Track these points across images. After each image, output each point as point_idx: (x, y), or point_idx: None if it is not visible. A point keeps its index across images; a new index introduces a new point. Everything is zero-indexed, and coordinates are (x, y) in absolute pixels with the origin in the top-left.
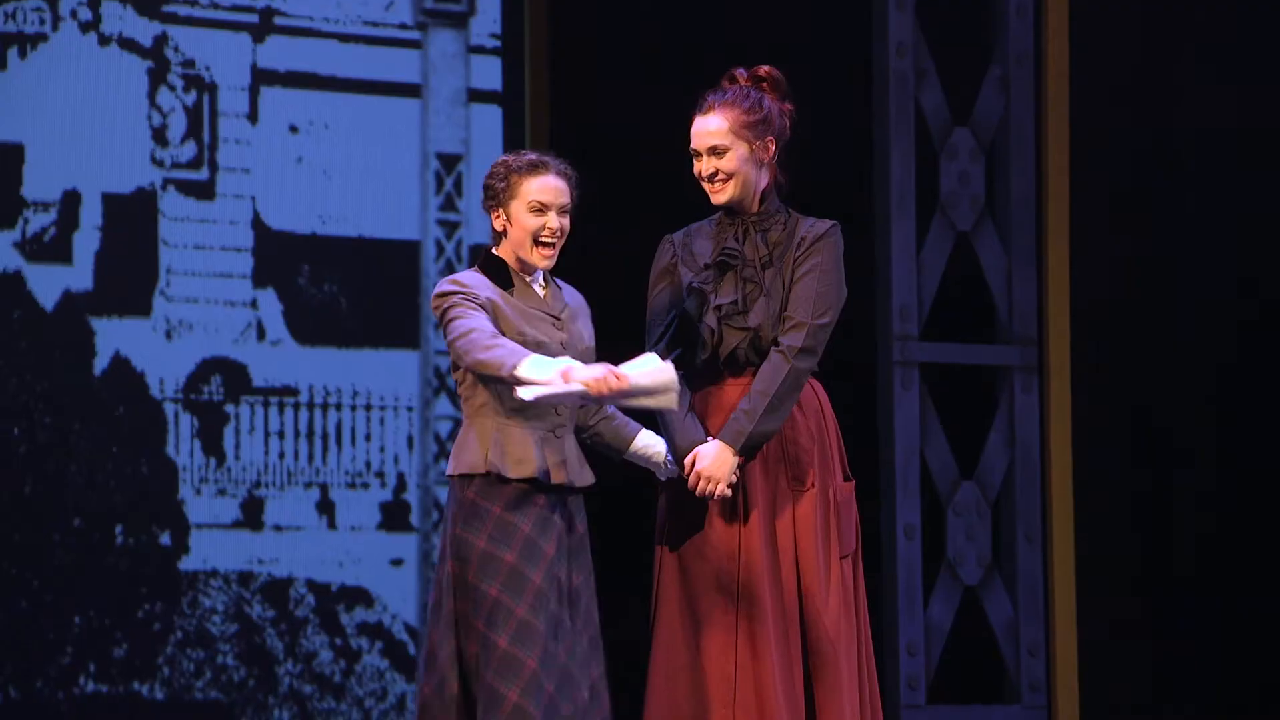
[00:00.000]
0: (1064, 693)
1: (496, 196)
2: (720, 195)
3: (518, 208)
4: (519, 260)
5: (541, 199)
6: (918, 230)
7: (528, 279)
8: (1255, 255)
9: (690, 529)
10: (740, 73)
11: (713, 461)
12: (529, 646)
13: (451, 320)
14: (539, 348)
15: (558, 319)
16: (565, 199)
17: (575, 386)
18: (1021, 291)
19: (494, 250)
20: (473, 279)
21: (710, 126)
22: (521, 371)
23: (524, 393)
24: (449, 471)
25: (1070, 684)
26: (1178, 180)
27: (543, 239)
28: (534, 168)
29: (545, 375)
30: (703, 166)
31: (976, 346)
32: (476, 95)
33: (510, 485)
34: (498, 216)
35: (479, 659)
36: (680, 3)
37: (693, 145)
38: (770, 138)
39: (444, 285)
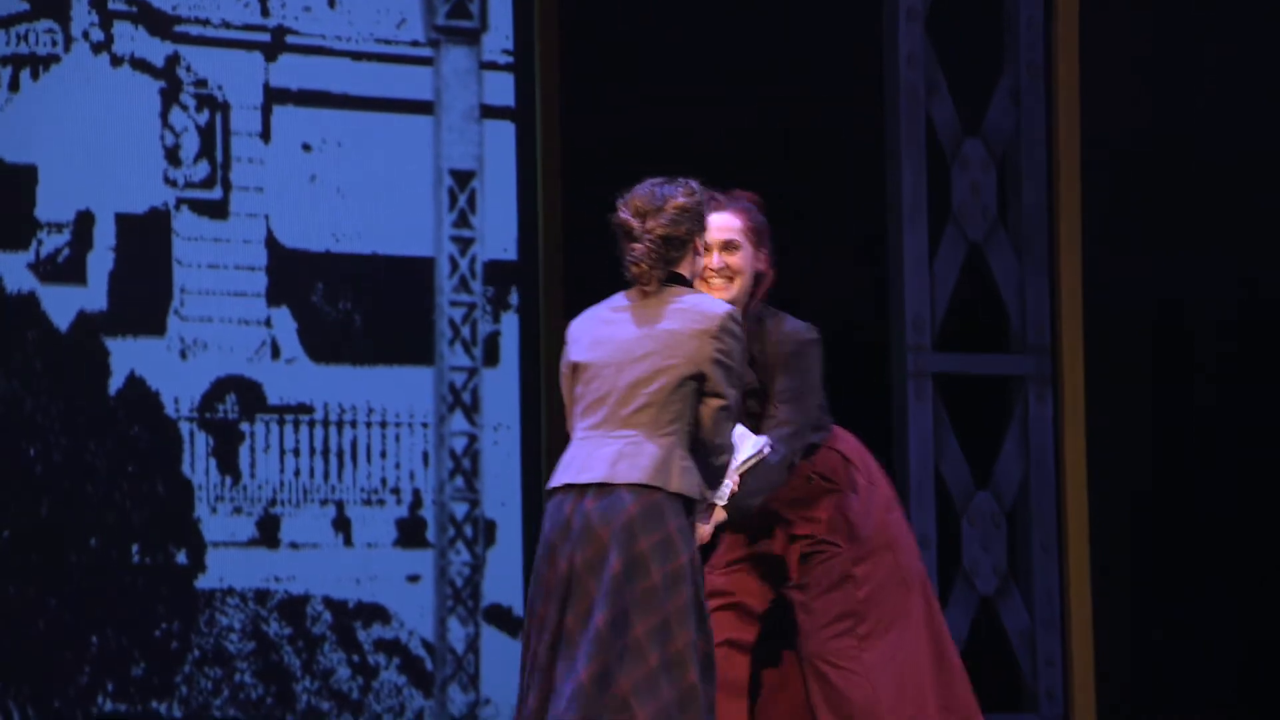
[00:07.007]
0: (1081, 702)
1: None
2: (724, 292)
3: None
4: None
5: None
6: (930, 241)
7: None
8: (1266, 264)
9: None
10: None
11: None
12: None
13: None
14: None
15: None
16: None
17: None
18: (1034, 301)
19: None
20: None
21: (723, 222)
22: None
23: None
24: (672, 489)
25: (1087, 693)
26: (1189, 188)
27: (702, 277)
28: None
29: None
30: (710, 260)
31: (990, 357)
32: (489, 111)
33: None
34: None
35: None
36: (693, 18)
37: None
38: (765, 250)
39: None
